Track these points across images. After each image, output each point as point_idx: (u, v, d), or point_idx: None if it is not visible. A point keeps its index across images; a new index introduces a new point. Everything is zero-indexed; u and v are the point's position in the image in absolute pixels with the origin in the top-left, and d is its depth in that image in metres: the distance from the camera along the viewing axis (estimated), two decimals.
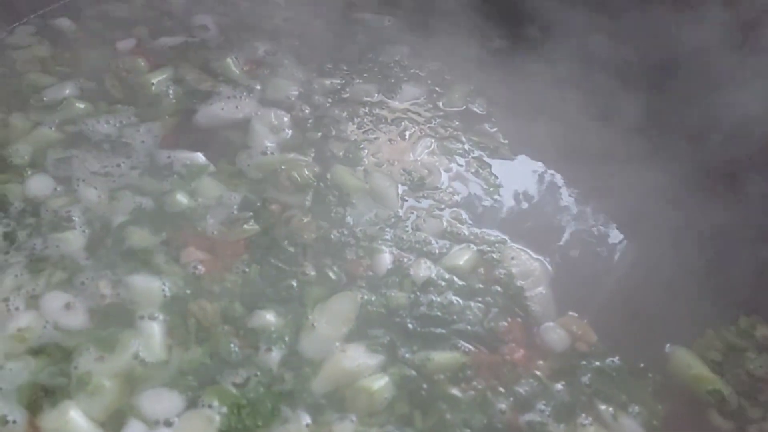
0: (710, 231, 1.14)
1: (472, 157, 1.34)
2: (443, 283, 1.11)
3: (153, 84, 1.38)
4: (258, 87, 1.42)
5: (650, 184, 1.20)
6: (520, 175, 1.32)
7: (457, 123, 1.41)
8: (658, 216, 1.18)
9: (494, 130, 1.40)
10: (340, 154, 1.31)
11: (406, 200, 1.24)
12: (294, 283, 1.08)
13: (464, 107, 1.46)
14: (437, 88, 1.50)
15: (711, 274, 1.13)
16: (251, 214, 1.17)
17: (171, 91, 1.38)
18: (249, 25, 1.61)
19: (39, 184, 1.17)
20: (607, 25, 1.43)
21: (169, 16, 1.61)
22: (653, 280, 1.14)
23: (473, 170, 1.31)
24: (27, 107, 1.31)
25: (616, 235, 1.24)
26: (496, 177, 1.31)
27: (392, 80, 1.50)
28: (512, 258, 1.16)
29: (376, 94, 1.46)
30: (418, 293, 1.09)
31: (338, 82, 1.47)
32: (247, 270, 1.09)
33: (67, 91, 1.35)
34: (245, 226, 1.15)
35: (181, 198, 1.17)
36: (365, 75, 1.51)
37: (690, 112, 1.23)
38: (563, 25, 1.47)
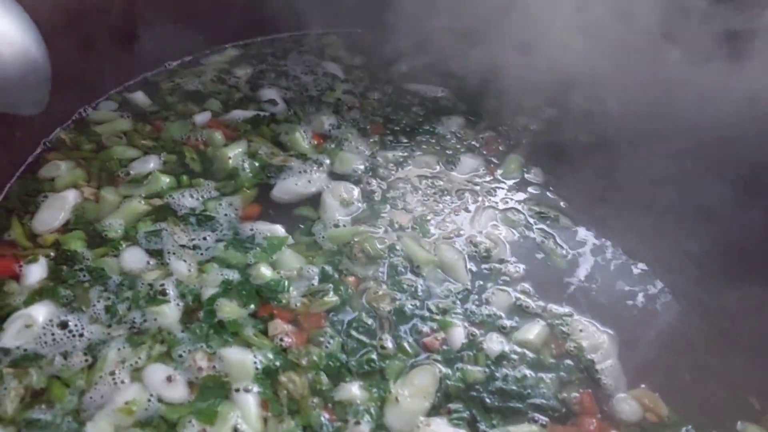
0: None
1: (536, 228, 1.40)
2: (516, 357, 1.16)
3: (230, 158, 1.47)
4: (327, 161, 1.50)
5: (717, 256, 1.23)
6: (581, 246, 1.38)
7: (516, 193, 1.48)
8: (723, 290, 1.22)
9: (554, 199, 1.47)
10: (408, 226, 1.38)
11: (474, 272, 1.30)
12: (374, 356, 1.14)
13: (521, 177, 1.53)
14: (494, 159, 1.57)
15: None
16: (330, 285, 1.24)
17: (247, 165, 1.46)
18: (312, 98, 1.71)
19: (133, 258, 1.23)
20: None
21: (237, 89, 1.72)
22: (722, 354, 1.18)
23: (537, 241, 1.37)
24: (115, 181, 1.40)
25: (682, 308, 1.28)
26: (561, 247, 1.36)
27: (450, 152, 1.58)
28: (581, 330, 1.21)
29: (437, 166, 1.54)
30: (492, 367, 1.14)
31: (400, 154, 1.55)
32: (330, 342, 1.15)
33: (152, 165, 1.43)
34: (325, 298, 1.21)
35: (265, 270, 1.24)
36: (424, 147, 1.59)
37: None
38: (610, 96, 1.54)
